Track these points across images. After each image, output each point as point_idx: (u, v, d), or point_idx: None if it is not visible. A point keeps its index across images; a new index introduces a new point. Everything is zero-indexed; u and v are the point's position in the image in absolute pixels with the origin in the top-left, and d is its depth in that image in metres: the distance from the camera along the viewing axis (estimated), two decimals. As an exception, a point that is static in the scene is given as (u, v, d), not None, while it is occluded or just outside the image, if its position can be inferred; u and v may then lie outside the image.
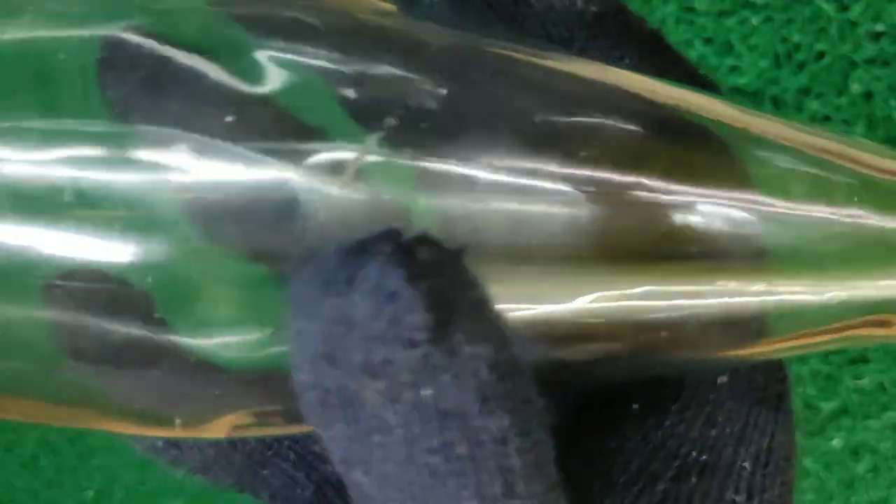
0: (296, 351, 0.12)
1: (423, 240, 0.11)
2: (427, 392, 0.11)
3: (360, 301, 0.11)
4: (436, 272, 0.11)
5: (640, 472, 0.15)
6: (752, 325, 0.14)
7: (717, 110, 0.14)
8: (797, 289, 0.14)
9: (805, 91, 0.28)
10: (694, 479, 0.15)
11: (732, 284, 0.13)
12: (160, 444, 0.17)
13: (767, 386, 0.16)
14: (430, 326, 0.11)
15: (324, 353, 0.11)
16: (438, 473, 0.12)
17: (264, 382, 0.14)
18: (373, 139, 0.12)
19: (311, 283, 0.11)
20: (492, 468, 0.12)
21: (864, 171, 0.14)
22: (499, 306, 0.11)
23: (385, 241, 0.11)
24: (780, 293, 0.14)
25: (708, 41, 0.29)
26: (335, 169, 0.12)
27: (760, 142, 0.14)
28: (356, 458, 0.12)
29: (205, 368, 0.13)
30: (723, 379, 0.15)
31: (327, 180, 0.12)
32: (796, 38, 0.29)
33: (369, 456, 0.12)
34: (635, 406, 0.16)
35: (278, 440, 0.17)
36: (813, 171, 0.14)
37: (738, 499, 0.15)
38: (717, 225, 0.13)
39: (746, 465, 0.15)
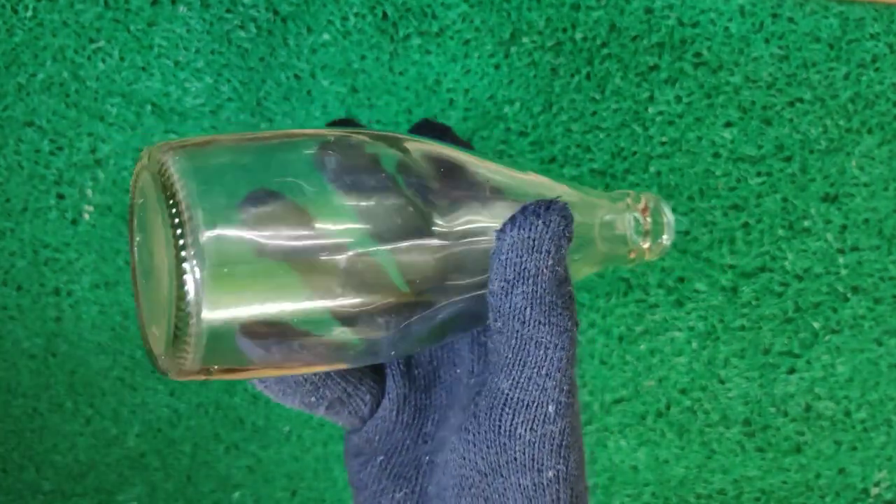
0: (504, 246, 0.25)
1: (558, 203, 0.26)
2: (558, 268, 0.25)
3: (545, 225, 0.25)
4: (565, 217, 0.25)
5: None
6: None
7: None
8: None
9: (625, 170, 0.46)
10: None
11: None
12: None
13: None
14: (559, 242, 0.25)
15: (527, 247, 0.25)
16: (556, 305, 0.26)
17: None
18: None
19: (518, 217, 0.25)
20: (564, 300, 0.26)
21: (579, 192, 0.31)
22: None
23: (552, 203, 0.26)
24: None
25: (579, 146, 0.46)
26: None
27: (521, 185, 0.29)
28: (525, 297, 0.25)
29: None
30: None
31: None
32: (623, 144, 0.46)
33: (532, 296, 0.25)
34: None
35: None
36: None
37: None
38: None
39: None
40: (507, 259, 0.25)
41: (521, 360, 0.26)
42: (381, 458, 0.29)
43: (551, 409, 0.26)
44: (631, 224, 0.32)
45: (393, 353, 0.27)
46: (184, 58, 0.44)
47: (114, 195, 0.45)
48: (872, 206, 0.46)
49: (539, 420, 0.26)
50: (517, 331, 0.26)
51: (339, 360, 0.26)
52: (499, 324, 0.26)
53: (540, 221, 0.25)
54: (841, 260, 0.47)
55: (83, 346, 0.48)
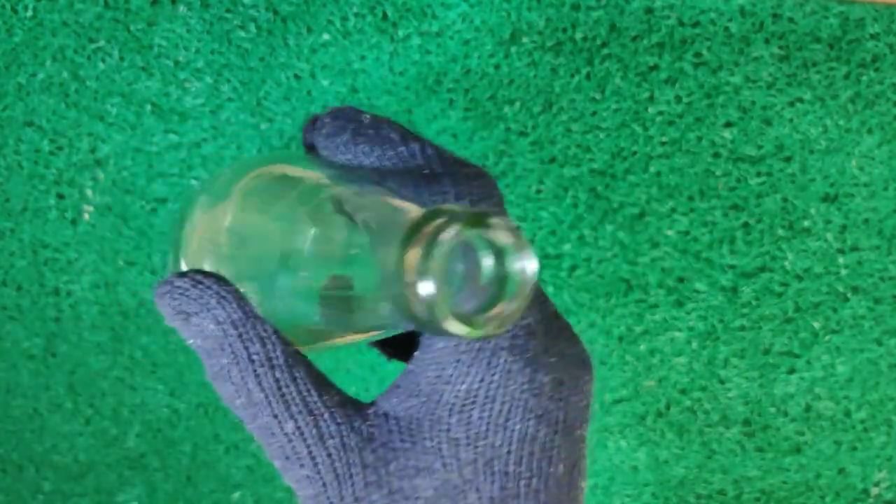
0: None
1: (163, 282, 0.25)
2: (197, 341, 0.25)
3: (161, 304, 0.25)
4: (161, 298, 0.25)
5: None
6: None
7: None
8: None
9: (625, 171, 0.46)
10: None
11: None
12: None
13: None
14: (178, 320, 0.25)
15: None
16: (213, 378, 0.25)
17: None
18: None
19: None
20: (216, 374, 0.25)
21: None
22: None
23: (160, 283, 0.25)
24: None
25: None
26: None
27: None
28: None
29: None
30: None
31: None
32: (623, 144, 0.45)
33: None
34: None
35: None
36: None
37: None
38: None
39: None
40: None
41: None
42: None
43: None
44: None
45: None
46: (184, 58, 0.44)
47: (113, 195, 0.45)
48: (872, 206, 0.46)
49: None
50: None
51: None
52: None
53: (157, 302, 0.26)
54: (841, 260, 0.47)
55: (83, 346, 0.48)
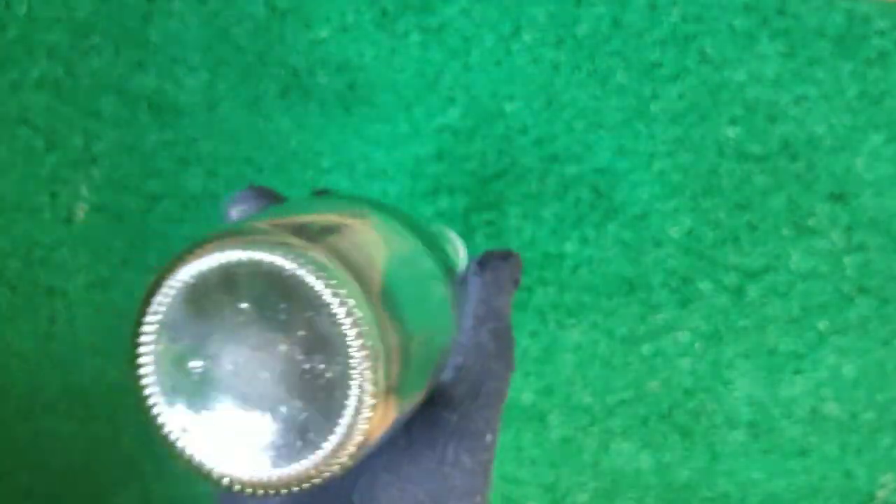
0: (477, 287, 0.29)
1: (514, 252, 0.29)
2: (510, 309, 0.29)
3: (509, 268, 0.29)
4: (519, 263, 0.30)
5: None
6: None
7: None
8: None
9: (628, 169, 0.45)
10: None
11: None
12: None
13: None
14: (514, 286, 0.29)
15: (496, 287, 0.29)
16: (510, 341, 0.28)
17: None
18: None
19: (491, 261, 0.29)
20: (512, 339, 0.28)
21: None
22: None
23: (511, 251, 0.30)
24: None
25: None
26: None
27: None
28: (489, 333, 0.28)
29: None
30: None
31: None
32: (626, 141, 0.44)
33: (495, 332, 0.28)
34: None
35: None
36: None
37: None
38: None
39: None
40: (480, 299, 0.28)
41: (475, 391, 0.27)
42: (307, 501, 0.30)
43: (489, 438, 0.28)
44: None
45: None
46: (179, 53, 0.43)
47: (108, 193, 0.45)
48: (879, 204, 0.46)
49: (479, 449, 0.27)
50: (479, 365, 0.27)
51: None
52: (460, 359, 0.27)
53: (505, 264, 0.29)
54: (847, 259, 0.46)
55: (77, 347, 0.47)
